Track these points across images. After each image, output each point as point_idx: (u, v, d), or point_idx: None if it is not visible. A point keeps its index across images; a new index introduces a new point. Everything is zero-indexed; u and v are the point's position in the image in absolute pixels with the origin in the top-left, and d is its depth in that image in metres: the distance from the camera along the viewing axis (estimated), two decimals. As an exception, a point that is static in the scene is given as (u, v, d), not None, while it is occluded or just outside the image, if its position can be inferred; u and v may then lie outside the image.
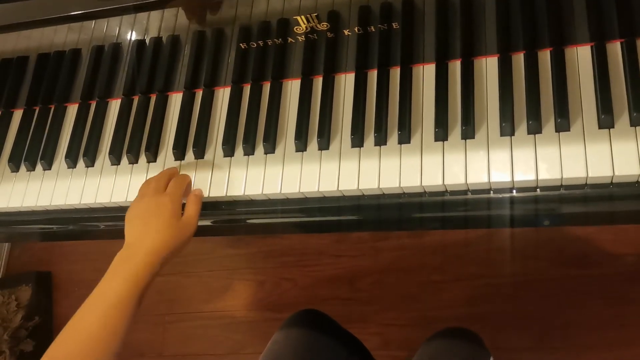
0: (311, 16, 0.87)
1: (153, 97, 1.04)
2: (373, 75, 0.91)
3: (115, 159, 1.00)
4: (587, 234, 1.61)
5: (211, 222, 0.95)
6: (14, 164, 1.07)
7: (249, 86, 0.98)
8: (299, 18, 0.87)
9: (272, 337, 1.10)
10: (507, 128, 0.80)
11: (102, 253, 2.10)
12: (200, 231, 0.92)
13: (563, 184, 0.78)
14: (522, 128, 0.80)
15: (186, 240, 0.87)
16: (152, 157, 0.99)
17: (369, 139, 0.87)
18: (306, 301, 1.81)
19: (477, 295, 1.66)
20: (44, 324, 2.02)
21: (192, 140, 0.97)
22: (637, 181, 0.75)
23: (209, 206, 0.94)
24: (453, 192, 0.83)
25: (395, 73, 0.90)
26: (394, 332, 1.72)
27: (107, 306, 0.78)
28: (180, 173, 0.94)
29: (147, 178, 0.97)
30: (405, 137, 0.85)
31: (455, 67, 0.87)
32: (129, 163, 1.00)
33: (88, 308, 0.79)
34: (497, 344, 1.55)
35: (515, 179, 0.78)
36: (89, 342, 0.75)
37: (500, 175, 0.79)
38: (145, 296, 0.82)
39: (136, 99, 1.05)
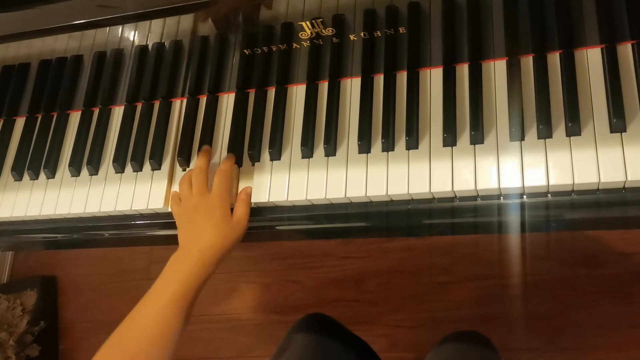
0: (316, 21, 0.86)
1: (156, 104, 1.03)
2: (379, 80, 0.90)
3: (120, 167, 0.99)
4: (595, 233, 1.60)
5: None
6: (17, 172, 1.06)
7: (254, 92, 0.97)
8: (303, 24, 0.86)
9: (279, 344, 1.09)
10: (517, 133, 0.79)
11: (107, 257, 2.11)
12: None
13: (575, 189, 0.77)
14: (532, 133, 0.79)
15: (237, 239, 0.88)
16: (157, 164, 0.98)
17: (377, 145, 0.86)
18: (313, 303, 1.80)
19: (485, 296, 1.65)
20: (50, 328, 2.02)
21: (197, 148, 0.96)
22: (651, 186, 0.74)
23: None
24: (462, 198, 0.82)
25: (402, 77, 0.89)
26: (401, 333, 1.71)
27: (162, 305, 0.81)
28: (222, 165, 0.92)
29: (147, 185, 0.97)
30: (413, 143, 0.84)
31: (463, 71, 0.86)
32: (134, 171, 0.99)
33: (144, 306, 0.82)
34: (505, 344, 1.54)
35: (525, 185, 0.77)
36: (146, 338, 0.79)
37: (510, 180, 0.78)
38: (199, 296, 0.86)
39: (139, 106, 1.04)
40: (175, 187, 0.95)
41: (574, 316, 1.56)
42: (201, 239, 0.86)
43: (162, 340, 0.80)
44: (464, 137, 0.82)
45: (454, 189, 0.80)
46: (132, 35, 1.00)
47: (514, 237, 1.63)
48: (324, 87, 0.93)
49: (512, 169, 0.78)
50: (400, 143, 0.85)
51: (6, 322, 1.97)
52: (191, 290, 0.83)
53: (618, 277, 1.56)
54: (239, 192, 0.91)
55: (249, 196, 0.90)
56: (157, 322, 0.80)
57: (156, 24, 0.96)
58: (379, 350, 1.20)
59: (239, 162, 0.93)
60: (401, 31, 0.86)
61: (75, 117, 1.08)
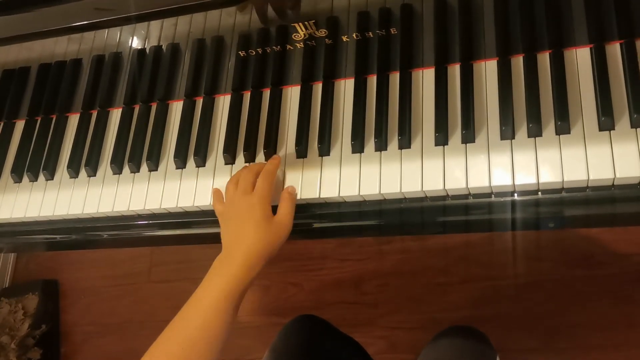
0: (309, 23, 0.87)
1: (154, 106, 1.04)
2: (372, 81, 0.91)
3: (117, 168, 1.01)
4: (592, 234, 1.60)
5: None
6: (17, 174, 1.07)
7: (249, 93, 0.98)
8: (297, 25, 0.87)
9: (271, 345, 1.09)
10: (508, 131, 0.80)
11: (109, 261, 2.13)
12: (206, 239, 0.93)
13: (564, 186, 0.78)
14: (522, 131, 0.80)
15: (281, 240, 0.85)
16: (154, 165, 0.99)
17: (370, 144, 0.87)
18: (312, 305, 1.81)
19: (483, 297, 1.65)
20: (51, 332, 2.03)
21: (193, 149, 0.97)
22: (639, 183, 0.75)
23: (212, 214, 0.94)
24: (454, 197, 0.83)
25: (395, 78, 0.90)
26: (400, 335, 1.71)
27: (206, 308, 0.79)
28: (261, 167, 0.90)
29: (144, 186, 0.98)
30: (405, 142, 0.85)
31: (455, 71, 0.87)
32: (131, 172, 1.00)
33: (189, 309, 0.81)
34: (503, 345, 1.55)
35: (516, 183, 0.78)
36: (190, 343, 0.77)
37: (501, 179, 0.79)
38: (242, 299, 0.83)
39: (137, 108, 1.05)
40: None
41: (571, 317, 1.57)
42: (243, 241, 0.84)
43: (206, 344, 0.78)
44: (456, 136, 0.83)
45: (446, 188, 0.81)
46: (129, 38, 1.01)
47: (510, 238, 1.64)
48: (318, 88, 0.94)
49: (502, 167, 0.79)
50: (393, 142, 0.86)
51: (8, 326, 1.98)
52: (235, 293, 0.81)
53: (615, 277, 1.57)
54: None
55: (292, 195, 0.88)
56: (201, 326, 0.78)
57: (154, 27, 0.98)
58: (378, 352, 1.21)
59: (234, 162, 0.94)
60: (393, 32, 0.87)
61: (74, 120, 1.09)
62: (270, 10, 0.89)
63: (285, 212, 0.86)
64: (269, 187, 0.86)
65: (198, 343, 0.77)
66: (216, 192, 0.93)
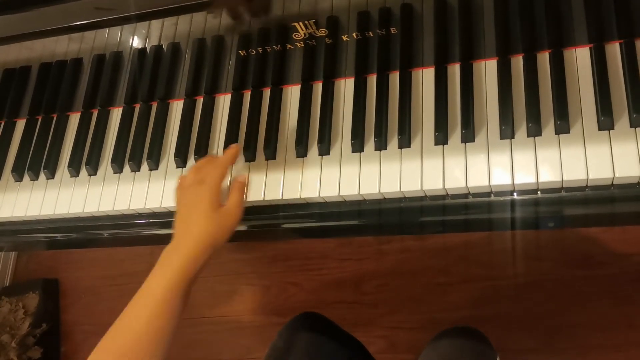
0: (309, 22, 0.87)
1: (154, 105, 1.04)
2: (372, 80, 0.91)
3: (118, 167, 1.01)
4: (592, 234, 1.60)
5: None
6: (18, 173, 1.07)
7: (249, 92, 0.98)
8: (297, 25, 0.88)
9: (272, 342, 1.10)
10: (507, 131, 0.80)
11: (109, 260, 2.13)
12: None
13: (564, 186, 0.78)
14: (521, 131, 0.80)
15: (229, 230, 0.84)
16: (154, 165, 0.99)
17: (370, 143, 0.87)
18: (312, 305, 1.81)
19: (483, 297, 1.66)
20: (52, 331, 2.03)
21: (194, 148, 0.98)
22: (638, 182, 0.75)
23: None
24: (454, 196, 0.83)
25: (395, 77, 0.90)
26: (400, 335, 1.71)
27: (153, 303, 0.77)
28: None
29: (144, 185, 0.99)
30: (405, 142, 0.85)
31: (455, 71, 0.87)
32: (132, 171, 1.00)
33: (135, 304, 0.78)
34: (503, 345, 1.55)
35: (515, 182, 0.78)
36: (137, 339, 0.75)
37: (500, 178, 0.79)
38: (190, 293, 0.81)
39: (137, 107, 1.05)
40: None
41: (571, 317, 1.57)
42: (190, 231, 0.82)
43: (154, 339, 0.76)
44: (455, 136, 0.83)
45: (446, 187, 0.81)
46: (130, 37, 1.02)
47: (510, 238, 1.64)
48: (318, 87, 0.94)
49: (502, 167, 0.79)
50: (393, 142, 0.86)
51: (8, 325, 1.98)
52: (181, 285, 0.79)
53: (615, 277, 1.57)
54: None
55: (242, 184, 0.88)
56: (147, 320, 0.76)
57: (154, 26, 0.98)
58: (378, 352, 1.21)
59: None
60: (393, 32, 0.87)
61: (74, 119, 1.09)
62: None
63: (234, 203, 0.85)
64: (218, 177, 0.85)
65: (146, 339, 0.75)
66: (181, 179, 0.91)
